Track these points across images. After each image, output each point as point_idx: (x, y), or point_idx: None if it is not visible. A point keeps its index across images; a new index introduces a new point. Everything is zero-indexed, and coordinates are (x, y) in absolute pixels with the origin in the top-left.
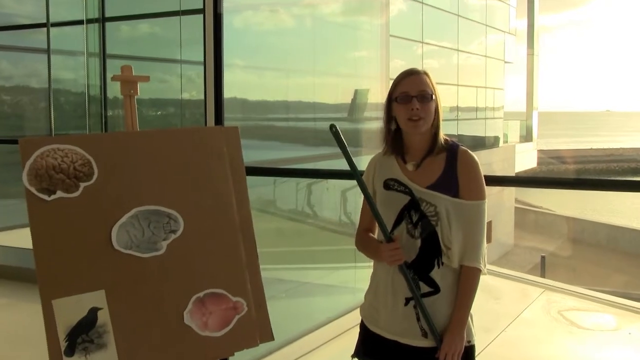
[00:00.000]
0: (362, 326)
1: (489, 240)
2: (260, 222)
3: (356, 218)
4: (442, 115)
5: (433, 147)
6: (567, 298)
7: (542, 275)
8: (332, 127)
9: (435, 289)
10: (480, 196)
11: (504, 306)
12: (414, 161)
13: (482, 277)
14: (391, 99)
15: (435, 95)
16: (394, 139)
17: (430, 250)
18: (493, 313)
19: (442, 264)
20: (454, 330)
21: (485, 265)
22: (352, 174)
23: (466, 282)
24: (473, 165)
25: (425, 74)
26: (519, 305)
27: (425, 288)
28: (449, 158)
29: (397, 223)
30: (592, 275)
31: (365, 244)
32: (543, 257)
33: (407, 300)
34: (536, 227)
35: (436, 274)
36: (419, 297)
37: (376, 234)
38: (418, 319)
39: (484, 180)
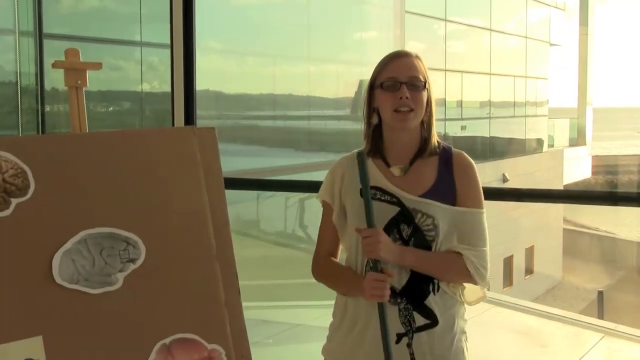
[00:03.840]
0: None
1: (529, 271)
2: (241, 248)
3: None
4: (435, 110)
5: (424, 148)
6: (634, 346)
7: (600, 317)
8: (359, 154)
9: (433, 321)
10: (481, 204)
11: (552, 356)
12: (401, 164)
13: (520, 318)
14: (373, 86)
15: (428, 84)
16: (374, 138)
17: (424, 274)
18: None
19: (439, 289)
20: (402, 248)
21: (487, 283)
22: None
23: (449, 253)
24: (472, 169)
25: (417, 57)
26: (571, 355)
27: (420, 320)
28: (442, 161)
29: None
30: None
31: (332, 273)
32: (601, 293)
33: (400, 337)
34: (591, 255)
35: (433, 301)
36: (413, 331)
37: (339, 257)
38: None
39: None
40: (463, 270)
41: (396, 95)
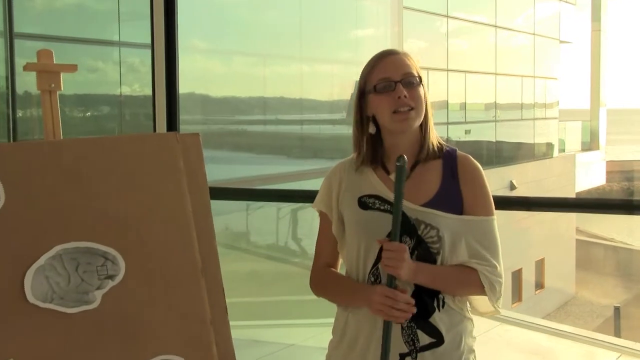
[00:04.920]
0: None
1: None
2: (229, 263)
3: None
4: (430, 109)
5: (423, 149)
6: None
7: (617, 335)
8: (399, 159)
9: (438, 339)
10: (491, 211)
11: None
12: (406, 173)
13: (530, 336)
14: (364, 92)
15: (422, 80)
16: (372, 144)
17: (429, 289)
18: None
19: (444, 304)
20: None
21: (499, 301)
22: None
23: (461, 268)
24: (479, 173)
25: (405, 54)
26: None
27: (424, 339)
28: (446, 165)
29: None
30: None
31: (333, 283)
32: (617, 309)
33: (402, 357)
34: (606, 267)
35: (438, 319)
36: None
37: (339, 267)
38: None
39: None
40: (478, 285)
41: (392, 95)
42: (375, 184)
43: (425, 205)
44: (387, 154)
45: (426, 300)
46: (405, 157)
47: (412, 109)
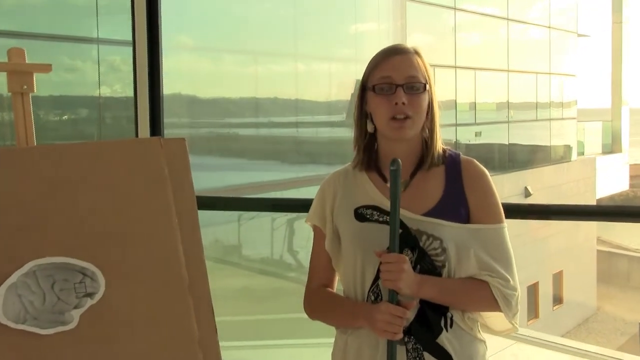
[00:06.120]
0: None
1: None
2: (219, 279)
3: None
4: (438, 114)
5: (427, 158)
6: None
7: None
8: (392, 162)
9: None
10: (500, 218)
11: None
12: (400, 178)
13: (548, 356)
14: (365, 87)
15: (430, 84)
16: (367, 147)
17: (435, 306)
18: None
19: (453, 323)
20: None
21: (516, 316)
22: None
23: (471, 280)
24: (484, 177)
25: (416, 53)
26: None
27: None
28: (449, 171)
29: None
30: None
31: (329, 304)
32: None
33: None
34: (631, 280)
35: (446, 340)
36: None
37: (335, 287)
38: None
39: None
40: (490, 299)
41: (391, 100)
42: (372, 193)
43: (427, 214)
44: (382, 160)
45: (433, 319)
46: (400, 160)
47: (407, 117)
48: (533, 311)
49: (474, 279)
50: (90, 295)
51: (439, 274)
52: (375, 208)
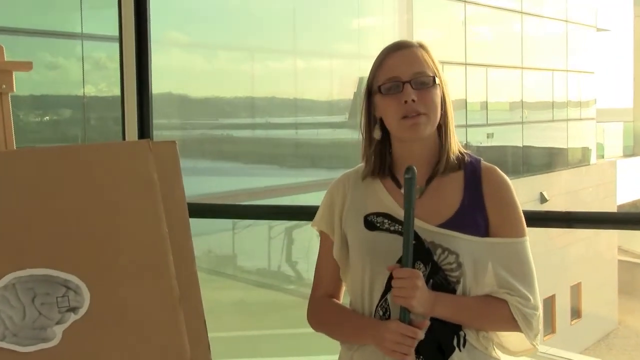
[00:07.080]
0: None
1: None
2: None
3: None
4: (451, 111)
5: (443, 161)
6: None
7: None
8: (407, 170)
9: None
10: (523, 231)
11: None
12: (415, 184)
13: None
14: (371, 91)
15: (440, 79)
16: (379, 152)
17: (447, 323)
18: None
19: (466, 342)
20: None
21: (538, 337)
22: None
23: (489, 299)
24: (507, 187)
25: (421, 46)
26: None
27: None
28: (469, 179)
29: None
30: None
31: (335, 317)
32: None
33: None
34: None
35: (458, 359)
36: None
37: (342, 297)
38: None
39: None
40: (509, 319)
41: (399, 99)
42: (385, 200)
43: (443, 225)
44: (397, 165)
45: (445, 337)
46: (415, 167)
47: (420, 114)
48: (549, 326)
49: (491, 297)
50: (73, 309)
51: (453, 290)
52: (386, 216)
